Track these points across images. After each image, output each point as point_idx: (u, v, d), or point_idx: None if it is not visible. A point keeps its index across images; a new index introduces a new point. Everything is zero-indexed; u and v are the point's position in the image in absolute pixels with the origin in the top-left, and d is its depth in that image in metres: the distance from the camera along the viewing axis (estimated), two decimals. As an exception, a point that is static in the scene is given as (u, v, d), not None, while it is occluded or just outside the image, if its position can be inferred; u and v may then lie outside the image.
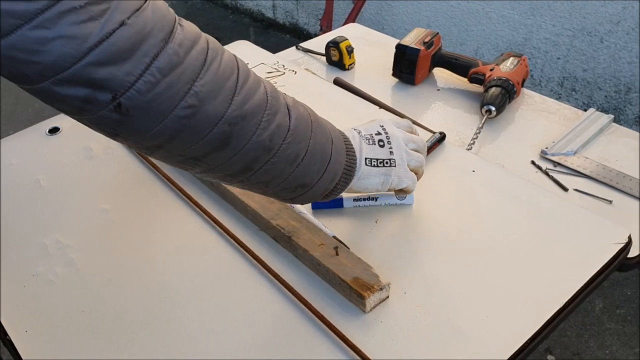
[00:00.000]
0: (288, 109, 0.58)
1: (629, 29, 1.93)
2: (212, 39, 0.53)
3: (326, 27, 2.59)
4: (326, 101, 1.10)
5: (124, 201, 0.86)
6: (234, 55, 0.55)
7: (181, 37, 0.48)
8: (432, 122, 1.08)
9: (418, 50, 1.17)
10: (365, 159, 0.69)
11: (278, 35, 3.22)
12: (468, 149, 0.99)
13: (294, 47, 1.39)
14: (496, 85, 1.10)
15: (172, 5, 3.72)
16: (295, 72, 1.19)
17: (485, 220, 0.80)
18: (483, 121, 1.06)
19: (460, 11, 2.38)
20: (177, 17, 0.50)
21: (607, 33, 1.98)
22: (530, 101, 1.16)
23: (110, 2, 0.43)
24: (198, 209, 0.83)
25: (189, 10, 3.67)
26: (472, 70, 1.18)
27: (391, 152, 0.72)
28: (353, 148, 0.68)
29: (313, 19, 3.07)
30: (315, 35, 3.01)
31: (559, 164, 0.98)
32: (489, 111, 1.07)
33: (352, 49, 1.28)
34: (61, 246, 0.79)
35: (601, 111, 1.11)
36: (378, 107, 1.07)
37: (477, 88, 1.18)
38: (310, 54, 1.36)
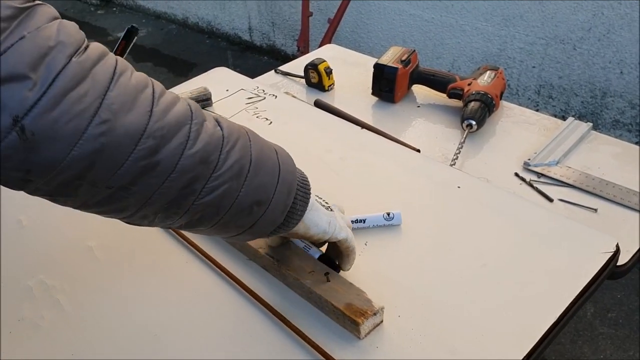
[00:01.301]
0: (217, 120, 0.54)
1: (600, 36, 1.97)
2: (121, 59, 0.50)
3: (303, 47, 2.61)
4: (308, 124, 1.10)
5: (110, 237, 0.85)
6: (146, 75, 0.51)
7: (87, 53, 0.45)
8: (414, 139, 1.09)
9: (396, 68, 1.18)
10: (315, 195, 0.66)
11: (256, 57, 3.23)
12: (452, 165, 1.00)
13: (273, 70, 1.39)
14: (475, 100, 1.11)
15: (149, 33, 3.72)
16: (276, 97, 1.19)
17: (473, 236, 0.80)
18: (465, 136, 1.07)
19: (434, 26, 2.41)
20: (86, 39, 0.47)
21: (579, 40, 2.02)
22: (510, 113, 1.17)
23: (14, 20, 0.41)
24: (184, 241, 0.82)
25: (166, 37, 3.67)
26: (451, 85, 1.19)
27: (328, 209, 0.70)
28: (302, 172, 0.64)
29: (290, 40, 3.09)
30: (293, 55, 3.03)
31: (542, 174, 0.99)
32: (470, 125, 1.08)
33: (331, 70, 1.28)
34: (46, 288, 0.78)
35: (579, 117, 1.12)
36: (360, 127, 1.07)
37: (457, 103, 1.19)
38: (290, 76, 1.37)
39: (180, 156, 0.49)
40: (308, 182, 0.63)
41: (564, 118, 1.13)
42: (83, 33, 0.47)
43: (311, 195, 0.63)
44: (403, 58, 1.21)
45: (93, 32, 3.78)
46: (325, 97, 1.26)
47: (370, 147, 1.01)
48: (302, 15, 2.59)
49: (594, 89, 2.06)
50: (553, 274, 0.72)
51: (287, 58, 3.11)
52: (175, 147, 0.49)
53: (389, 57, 1.22)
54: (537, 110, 2.26)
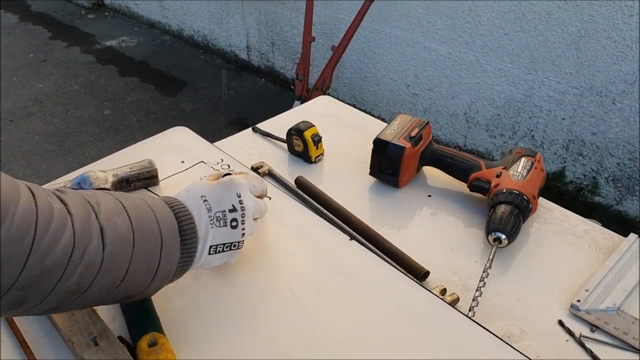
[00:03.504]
0: (102, 236, 0.53)
1: (645, 90, 1.68)
2: (2, 187, 0.47)
3: (303, 75, 2.33)
4: (282, 223, 0.82)
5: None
6: (33, 196, 0.49)
7: None
8: (421, 248, 0.82)
9: (402, 148, 0.91)
10: (210, 247, 0.63)
11: (252, 78, 2.95)
12: (473, 308, 0.71)
13: (250, 128, 1.12)
14: (506, 202, 0.83)
15: (140, 43, 3.45)
16: (243, 177, 0.91)
17: None
18: (491, 255, 0.78)
19: (451, 62, 2.13)
20: None
21: (620, 94, 1.74)
22: (549, 217, 0.89)
23: None
24: None
25: (157, 49, 3.40)
26: (474, 174, 0.91)
27: (243, 234, 0.66)
28: (195, 237, 0.61)
29: (290, 63, 2.82)
30: (292, 81, 2.75)
31: (597, 327, 0.70)
32: (499, 240, 0.80)
33: (320, 138, 1.01)
34: None
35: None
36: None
37: (480, 196, 0.91)
38: (270, 138, 1.09)
39: (48, 294, 0.50)
40: (191, 257, 0.62)
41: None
42: None
43: (194, 263, 0.63)
44: (413, 134, 0.93)
45: (80, 39, 3.53)
46: (310, 171, 0.99)
47: (361, 271, 0.74)
48: (303, 40, 2.32)
49: (633, 150, 1.78)
50: None
51: (286, 82, 2.84)
52: (44, 290, 0.49)
53: (395, 131, 0.94)
54: (563, 168, 1.98)
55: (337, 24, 2.48)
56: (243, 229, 0.65)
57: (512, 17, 1.89)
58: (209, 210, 0.62)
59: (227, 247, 0.64)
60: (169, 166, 0.93)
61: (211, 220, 0.62)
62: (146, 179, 0.88)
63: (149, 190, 0.88)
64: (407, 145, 0.91)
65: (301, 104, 2.31)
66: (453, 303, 0.73)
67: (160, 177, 0.90)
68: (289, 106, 2.35)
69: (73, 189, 0.83)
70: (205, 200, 0.63)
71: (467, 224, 0.88)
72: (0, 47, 3.48)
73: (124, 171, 0.87)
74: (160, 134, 1.03)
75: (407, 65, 2.30)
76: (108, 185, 0.83)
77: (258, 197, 0.71)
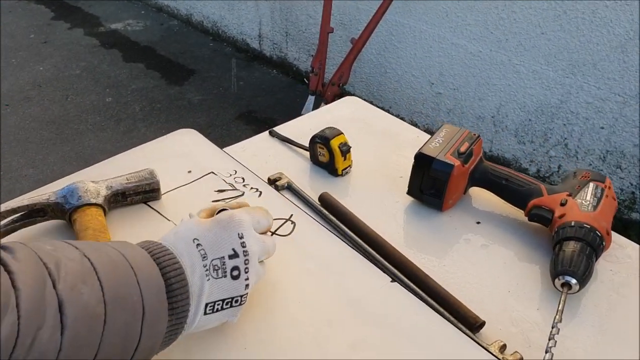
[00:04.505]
0: (61, 313, 0.40)
1: (698, 101, 1.54)
2: None
3: (319, 69, 2.18)
4: (306, 254, 0.68)
5: None
6: None
7: None
8: (472, 289, 0.68)
9: (451, 166, 0.77)
10: (206, 305, 0.51)
11: (264, 69, 2.79)
12: (545, 378, 0.57)
13: (267, 131, 0.98)
14: (576, 238, 0.69)
15: (146, 27, 3.31)
16: (261, 193, 0.78)
17: None
18: (560, 305, 0.64)
19: (481, 61, 1.98)
20: None
21: (669, 104, 1.59)
22: (620, 255, 0.75)
23: None
24: None
25: (165, 34, 3.25)
26: (533, 201, 0.77)
27: (247, 285, 0.53)
28: (186, 297, 0.49)
29: (304, 55, 2.66)
30: (306, 74, 2.60)
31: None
32: (568, 286, 0.66)
33: (349, 148, 0.87)
34: None
35: None
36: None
37: (540, 226, 0.77)
38: (289, 144, 0.95)
39: None
40: (182, 323, 0.49)
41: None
42: None
43: (185, 328, 0.50)
44: (462, 149, 0.79)
45: (84, 20, 3.38)
46: (336, 185, 0.85)
47: (405, 322, 0.60)
48: (320, 31, 2.17)
49: (679, 165, 1.64)
50: None
51: (300, 74, 2.69)
52: None
53: (440, 145, 0.80)
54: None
55: (357, 15, 2.33)
56: (247, 279, 0.53)
57: (551, 15, 1.74)
58: (204, 257, 0.50)
59: (227, 304, 0.52)
60: (173, 177, 0.79)
61: (207, 270, 0.50)
62: (146, 192, 0.74)
63: (149, 206, 0.75)
64: (456, 162, 0.77)
65: (315, 99, 2.17)
66: (516, 365, 0.60)
67: (162, 189, 0.76)
68: (302, 100, 2.21)
69: (58, 202, 0.69)
70: (198, 245, 0.51)
71: (525, 259, 0.74)
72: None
73: (120, 182, 0.73)
74: (163, 137, 0.89)
75: (431, 62, 2.15)
76: (100, 200, 0.69)
77: (262, 233, 0.59)
